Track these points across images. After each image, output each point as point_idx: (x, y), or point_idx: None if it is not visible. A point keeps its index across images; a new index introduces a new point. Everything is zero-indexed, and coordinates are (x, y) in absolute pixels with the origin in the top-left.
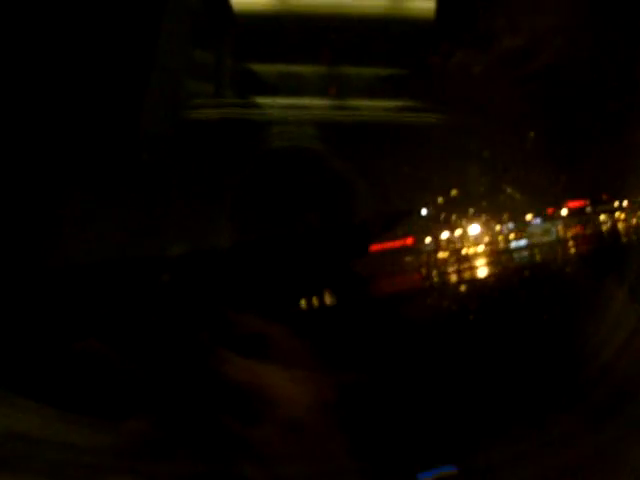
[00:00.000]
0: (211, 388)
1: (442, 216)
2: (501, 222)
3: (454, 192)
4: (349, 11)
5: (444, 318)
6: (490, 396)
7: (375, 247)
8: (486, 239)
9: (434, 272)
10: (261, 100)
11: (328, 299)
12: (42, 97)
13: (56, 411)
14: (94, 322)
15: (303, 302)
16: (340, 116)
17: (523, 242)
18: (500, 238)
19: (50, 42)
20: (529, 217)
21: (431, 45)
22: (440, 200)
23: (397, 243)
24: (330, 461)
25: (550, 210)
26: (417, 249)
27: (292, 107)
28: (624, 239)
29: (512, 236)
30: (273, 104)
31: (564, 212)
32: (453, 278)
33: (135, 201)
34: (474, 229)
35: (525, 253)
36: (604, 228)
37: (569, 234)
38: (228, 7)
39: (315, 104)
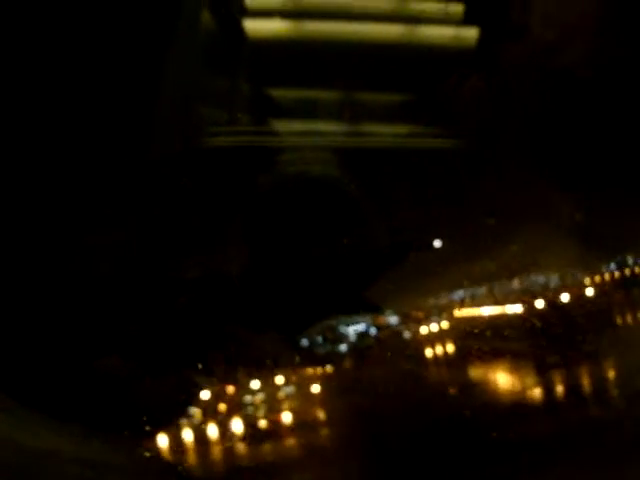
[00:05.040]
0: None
1: None
2: None
3: None
4: (364, 37)
5: None
6: None
7: None
8: None
9: None
10: (276, 126)
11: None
12: (64, 126)
13: (69, 427)
14: (114, 342)
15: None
16: (355, 142)
17: None
18: None
19: (67, 74)
20: None
21: (446, 71)
22: None
23: None
24: None
25: None
26: None
27: (307, 133)
28: None
29: None
30: (288, 130)
31: None
32: None
33: (152, 227)
34: None
35: None
36: None
37: None
38: (242, 33)
39: (330, 130)
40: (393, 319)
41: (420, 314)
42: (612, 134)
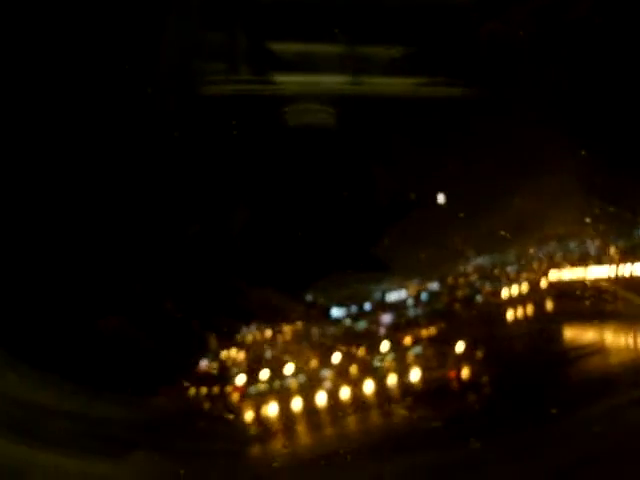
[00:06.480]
0: None
1: None
2: None
3: None
4: None
5: None
6: None
7: None
8: None
9: None
10: (278, 77)
11: None
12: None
13: (74, 385)
14: (117, 300)
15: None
16: (359, 91)
17: None
18: None
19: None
20: None
21: (450, 20)
22: None
23: None
24: None
25: None
26: None
27: (308, 84)
28: None
29: None
30: (289, 81)
31: None
32: None
33: (152, 182)
34: None
35: None
36: None
37: None
38: None
39: (332, 81)
40: (434, 285)
41: (461, 280)
42: (629, 86)
